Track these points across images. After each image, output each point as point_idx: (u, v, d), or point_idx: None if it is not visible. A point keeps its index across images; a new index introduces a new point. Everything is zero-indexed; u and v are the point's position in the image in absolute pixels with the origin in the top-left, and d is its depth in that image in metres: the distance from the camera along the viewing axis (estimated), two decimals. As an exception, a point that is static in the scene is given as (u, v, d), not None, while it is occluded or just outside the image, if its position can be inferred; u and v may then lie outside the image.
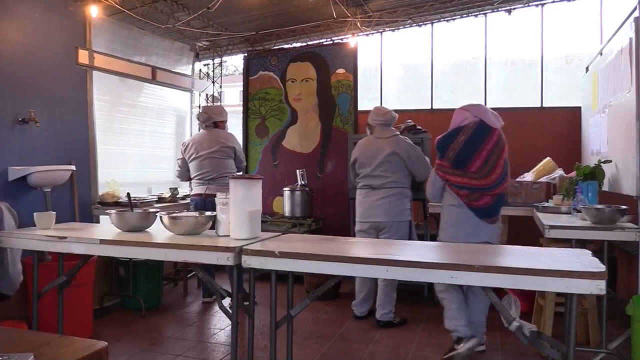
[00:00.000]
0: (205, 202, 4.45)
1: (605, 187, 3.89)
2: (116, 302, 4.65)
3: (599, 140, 4.43)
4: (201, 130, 4.83)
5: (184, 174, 4.82)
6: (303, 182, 5.53)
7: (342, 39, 6.08)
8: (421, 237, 4.49)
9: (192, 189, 5.40)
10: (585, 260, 2.03)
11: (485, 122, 3.35)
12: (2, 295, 3.15)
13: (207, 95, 6.63)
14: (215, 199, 2.68)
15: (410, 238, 4.06)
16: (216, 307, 4.56)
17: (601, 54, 4.40)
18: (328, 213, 5.90)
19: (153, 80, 5.44)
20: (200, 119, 4.85)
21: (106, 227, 3.18)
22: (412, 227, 4.13)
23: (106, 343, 1.26)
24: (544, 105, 5.61)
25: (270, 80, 6.26)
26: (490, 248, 2.59)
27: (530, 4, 5.49)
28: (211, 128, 4.75)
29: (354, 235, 4.94)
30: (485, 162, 3.30)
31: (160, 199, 4.98)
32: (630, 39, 3.37)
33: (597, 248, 3.20)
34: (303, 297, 2.41)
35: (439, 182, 3.45)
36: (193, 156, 4.65)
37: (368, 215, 4.08)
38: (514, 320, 1.98)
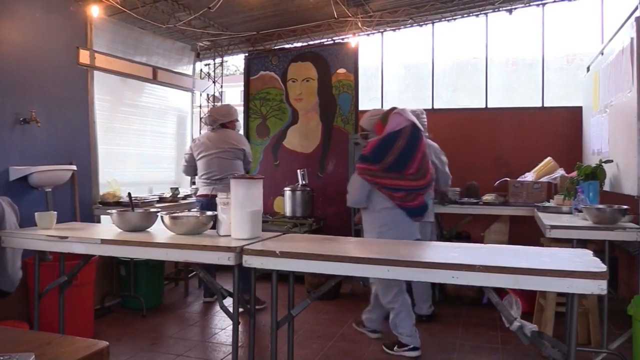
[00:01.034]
0: (211, 203, 4.36)
1: (606, 187, 3.88)
2: (117, 302, 4.66)
3: (600, 140, 4.43)
4: (210, 131, 4.76)
5: (189, 170, 4.79)
6: (304, 182, 5.53)
7: (343, 39, 6.08)
8: None
9: (197, 189, 5.39)
10: (587, 260, 2.03)
11: (416, 125, 3.46)
12: (2, 292, 3.15)
13: (207, 95, 6.63)
14: (217, 199, 2.68)
15: (430, 238, 4.14)
16: (217, 307, 4.56)
17: (602, 54, 4.39)
18: (329, 213, 5.89)
19: (154, 80, 5.44)
20: (208, 122, 4.75)
21: (107, 227, 3.18)
22: (433, 228, 4.26)
23: (107, 343, 1.26)
24: (545, 105, 5.60)
25: (271, 80, 6.27)
26: (492, 247, 2.59)
27: (531, 3, 5.48)
28: (219, 129, 4.65)
29: (355, 235, 4.95)
30: (422, 163, 3.42)
31: (161, 199, 4.98)
32: (632, 38, 3.37)
33: (598, 248, 3.19)
34: (304, 297, 2.41)
35: (366, 187, 3.44)
36: (202, 154, 4.58)
37: None
38: (515, 320, 1.97)
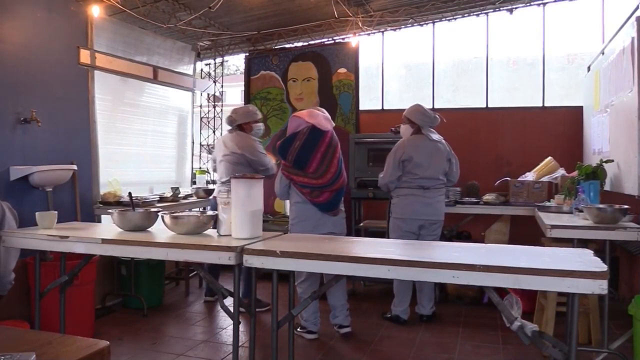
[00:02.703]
0: (216, 204, 4.43)
1: (607, 187, 3.88)
2: (118, 302, 4.66)
3: (600, 139, 4.43)
4: (227, 131, 4.64)
5: (213, 167, 4.87)
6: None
7: (343, 39, 6.08)
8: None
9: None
10: (587, 259, 2.03)
11: (316, 126, 3.67)
12: None
13: (208, 95, 6.63)
14: (217, 198, 2.68)
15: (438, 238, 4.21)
16: (218, 307, 4.56)
17: (603, 53, 4.39)
18: (329, 213, 5.88)
19: (155, 80, 5.44)
20: (227, 121, 4.62)
21: (108, 226, 3.18)
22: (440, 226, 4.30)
23: (108, 342, 1.26)
24: (545, 105, 5.60)
25: (272, 79, 6.26)
26: (493, 247, 2.59)
27: (532, 3, 5.48)
28: (235, 130, 4.49)
29: (355, 235, 4.95)
30: (321, 162, 3.66)
31: (162, 199, 4.98)
32: (633, 38, 3.36)
33: (598, 248, 3.20)
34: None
35: (284, 181, 3.79)
36: (217, 155, 4.59)
37: (420, 213, 4.06)
38: (515, 320, 1.97)
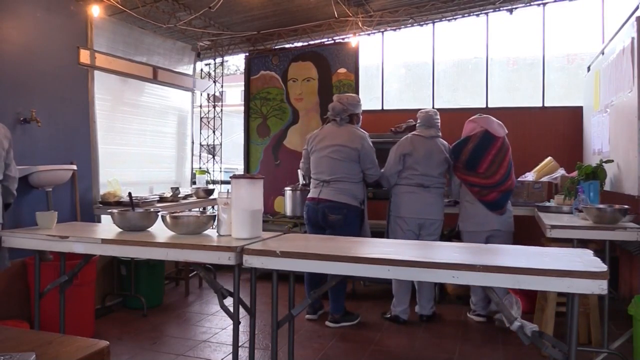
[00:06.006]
0: (317, 208, 3.98)
1: (607, 187, 3.88)
2: (118, 302, 4.66)
3: (600, 139, 4.43)
4: (330, 124, 4.15)
5: (305, 168, 4.32)
6: (304, 182, 5.52)
7: (343, 39, 6.08)
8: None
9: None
10: (587, 260, 2.03)
11: (489, 131, 4.08)
12: None
13: (208, 95, 6.63)
14: (217, 198, 2.68)
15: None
16: (217, 307, 4.56)
17: (603, 54, 4.39)
18: (329, 212, 5.88)
19: (154, 80, 5.44)
20: (334, 111, 4.07)
21: (108, 226, 3.18)
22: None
23: (108, 342, 1.26)
24: (545, 105, 5.60)
25: (272, 79, 6.26)
26: (492, 247, 2.59)
27: (532, 3, 5.48)
28: (345, 122, 4.05)
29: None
30: (491, 164, 4.04)
31: (162, 199, 4.97)
32: (632, 38, 3.37)
33: (598, 248, 3.20)
34: (304, 297, 2.41)
35: (457, 181, 4.21)
36: (313, 149, 4.12)
37: (420, 212, 4.08)
38: (515, 320, 1.97)
